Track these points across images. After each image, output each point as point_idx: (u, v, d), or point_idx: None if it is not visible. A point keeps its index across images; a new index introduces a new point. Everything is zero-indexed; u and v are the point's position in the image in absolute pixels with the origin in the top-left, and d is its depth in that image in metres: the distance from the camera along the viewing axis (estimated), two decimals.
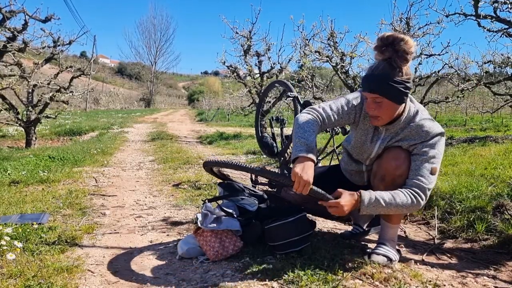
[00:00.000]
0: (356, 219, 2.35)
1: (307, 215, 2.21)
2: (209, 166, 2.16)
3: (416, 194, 1.78)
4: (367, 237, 2.38)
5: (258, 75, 8.66)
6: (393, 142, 1.88)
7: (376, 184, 1.93)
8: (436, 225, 2.61)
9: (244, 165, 1.96)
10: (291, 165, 2.85)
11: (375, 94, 1.76)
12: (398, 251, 2.04)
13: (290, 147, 3.32)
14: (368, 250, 2.09)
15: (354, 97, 1.96)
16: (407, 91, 1.78)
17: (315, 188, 1.76)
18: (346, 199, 1.76)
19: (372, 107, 1.80)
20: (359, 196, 1.78)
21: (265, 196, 2.33)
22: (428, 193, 1.80)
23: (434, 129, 1.83)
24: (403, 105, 1.82)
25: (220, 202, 2.25)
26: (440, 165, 1.85)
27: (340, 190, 1.81)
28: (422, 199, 1.79)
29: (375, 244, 2.05)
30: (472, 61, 5.67)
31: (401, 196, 1.78)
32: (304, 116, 1.90)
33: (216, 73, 66.92)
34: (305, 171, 1.71)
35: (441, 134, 1.84)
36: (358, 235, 2.34)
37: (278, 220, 2.04)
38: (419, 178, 1.78)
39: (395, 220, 1.96)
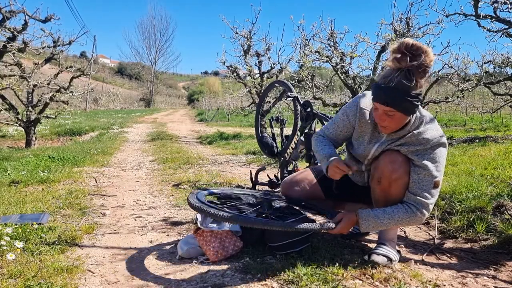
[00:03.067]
0: None
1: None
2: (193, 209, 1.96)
3: (417, 211, 1.78)
4: (367, 237, 2.38)
5: (258, 75, 8.66)
6: (392, 146, 1.86)
7: (373, 186, 1.93)
8: (436, 225, 2.60)
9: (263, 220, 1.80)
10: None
11: (389, 107, 1.70)
12: (398, 251, 2.04)
13: (290, 147, 3.32)
14: (368, 250, 2.09)
15: (349, 107, 2.00)
16: (420, 103, 1.74)
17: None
18: (344, 224, 1.86)
19: (383, 119, 1.76)
20: (357, 216, 1.86)
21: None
22: (431, 207, 1.80)
23: (435, 137, 1.79)
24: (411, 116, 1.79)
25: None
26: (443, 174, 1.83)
27: (340, 215, 1.90)
28: (424, 215, 1.80)
29: (375, 244, 2.05)
30: (472, 61, 5.67)
31: (402, 213, 1.78)
32: (315, 140, 2.10)
33: (216, 73, 66.91)
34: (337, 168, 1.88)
35: (443, 144, 1.81)
36: (358, 235, 2.34)
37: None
38: (422, 193, 1.76)
39: None
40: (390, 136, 1.86)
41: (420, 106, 1.79)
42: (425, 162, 1.77)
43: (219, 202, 2.15)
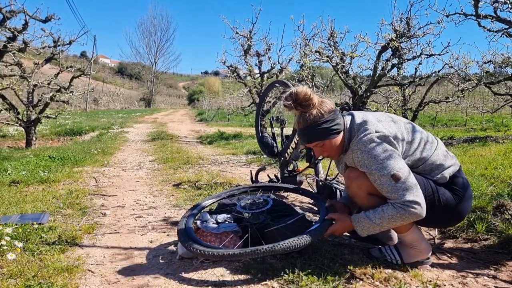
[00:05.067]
0: None
1: (307, 214, 2.21)
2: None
3: (401, 208, 1.72)
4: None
5: (258, 75, 8.65)
6: (351, 162, 1.91)
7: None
8: None
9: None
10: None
11: (313, 143, 1.89)
12: (429, 258, 1.97)
13: (290, 147, 3.32)
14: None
15: None
16: (336, 121, 1.85)
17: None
18: (337, 227, 1.91)
19: (319, 152, 1.94)
20: (350, 221, 1.87)
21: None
22: (412, 198, 1.70)
23: (360, 141, 1.79)
24: (341, 133, 1.88)
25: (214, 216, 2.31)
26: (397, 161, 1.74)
27: (334, 215, 1.93)
28: (414, 208, 1.71)
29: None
30: (472, 61, 5.66)
31: (390, 210, 1.73)
32: None
33: (216, 73, 66.94)
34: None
35: (370, 141, 1.77)
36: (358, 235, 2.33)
37: (277, 223, 2.04)
38: (391, 194, 1.73)
39: (401, 230, 1.90)
40: (343, 157, 1.96)
41: (355, 114, 1.90)
42: (367, 168, 1.78)
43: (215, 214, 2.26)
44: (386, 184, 1.73)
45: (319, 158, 2.00)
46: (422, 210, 1.72)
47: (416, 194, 1.71)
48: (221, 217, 2.22)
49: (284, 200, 2.57)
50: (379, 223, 1.77)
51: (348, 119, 1.91)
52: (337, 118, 1.86)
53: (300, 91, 1.82)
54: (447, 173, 1.86)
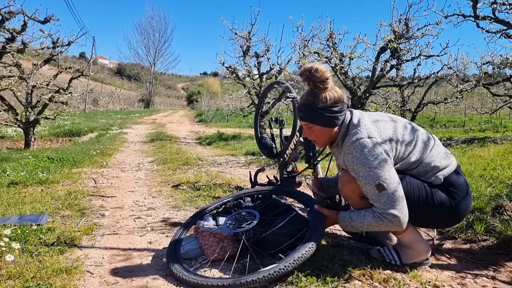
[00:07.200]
0: None
1: (299, 212, 2.19)
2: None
3: (381, 217, 1.73)
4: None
5: (257, 76, 8.65)
6: (341, 162, 1.93)
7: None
8: None
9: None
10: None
11: (305, 122, 1.89)
12: (428, 260, 1.98)
13: (289, 148, 3.32)
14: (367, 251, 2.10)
15: None
16: (336, 114, 1.82)
17: None
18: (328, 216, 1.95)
19: (307, 133, 1.93)
20: (336, 214, 1.94)
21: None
22: (391, 211, 1.71)
23: (353, 144, 1.78)
24: (336, 128, 1.86)
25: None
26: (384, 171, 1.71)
27: (324, 210, 1.97)
28: (395, 218, 1.72)
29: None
30: (471, 62, 5.68)
31: (370, 218, 1.77)
32: None
33: (215, 74, 66.91)
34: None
35: (362, 146, 1.75)
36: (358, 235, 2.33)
37: (270, 227, 2.04)
38: (374, 203, 1.75)
39: (398, 231, 1.90)
40: (333, 149, 1.97)
41: (354, 112, 1.88)
42: (356, 173, 1.78)
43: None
44: (371, 192, 1.74)
45: (308, 137, 1.93)
46: (401, 223, 1.74)
47: (398, 208, 1.72)
48: (222, 220, 2.22)
49: (282, 200, 2.57)
50: (359, 226, 1.84)
51: (348, 116, 1.88)
52: (338, 112, 1.82)
53: (320, 69, 1.78)
54: (441, 175, 1.85)
